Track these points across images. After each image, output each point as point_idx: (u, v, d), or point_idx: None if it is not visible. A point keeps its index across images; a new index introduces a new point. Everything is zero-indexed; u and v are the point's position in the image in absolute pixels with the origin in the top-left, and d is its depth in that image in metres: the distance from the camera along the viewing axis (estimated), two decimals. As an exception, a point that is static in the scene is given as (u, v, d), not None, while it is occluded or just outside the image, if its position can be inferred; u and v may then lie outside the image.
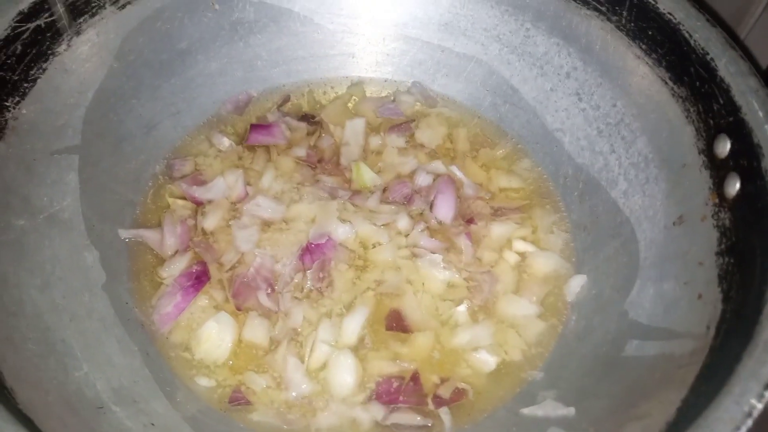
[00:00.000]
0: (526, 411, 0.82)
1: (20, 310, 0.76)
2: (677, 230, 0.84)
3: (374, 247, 0.95)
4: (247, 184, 0.99)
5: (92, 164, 0.92)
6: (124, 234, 0.93)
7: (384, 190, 1.00)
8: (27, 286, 0.78)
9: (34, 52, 0.85)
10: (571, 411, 0.79)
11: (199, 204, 0.98)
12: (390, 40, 1.12)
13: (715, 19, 0.84)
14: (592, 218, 0.97)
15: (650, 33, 0.88)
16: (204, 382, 0.84)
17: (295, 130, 1.07)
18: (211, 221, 0.95)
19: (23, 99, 0.84)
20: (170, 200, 0.98)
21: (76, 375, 0.75)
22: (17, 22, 0.83)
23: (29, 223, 0.83)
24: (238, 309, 0.89)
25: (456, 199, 0.99)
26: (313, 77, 1.13)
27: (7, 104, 0.82)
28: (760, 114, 0.74)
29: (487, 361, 0.87)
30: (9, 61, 0.82)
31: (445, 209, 0.98)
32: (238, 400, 0.83)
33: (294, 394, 0.83)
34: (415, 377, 0.85)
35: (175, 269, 0.91)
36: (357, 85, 1.14)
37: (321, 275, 0.91)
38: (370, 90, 1.14)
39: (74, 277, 0.84)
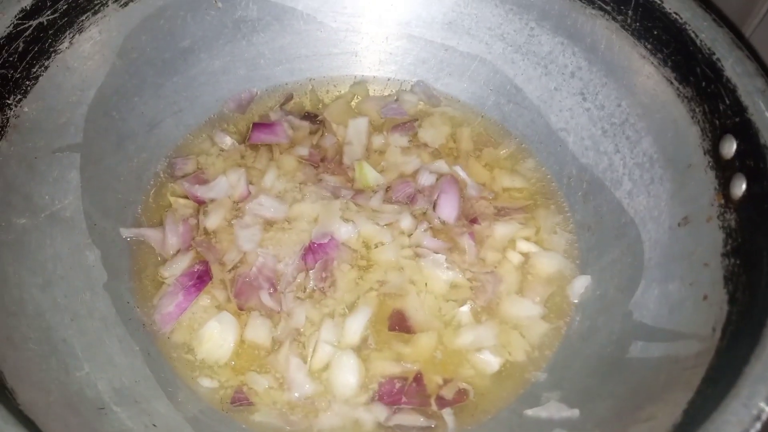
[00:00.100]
0: (529, 412, 0.82)
1: (21, 310, 0.75)
2: (682, 231, 0.83)
3: (377, 246, 0.94)
4: (250, 183, 0.99)
5: (94, 162, 0.92)
6: (126, 233, 0.93)
7: (387, 190, 1.00)
8: (28, 285, 0.78)
9: (36, 49, 0.85)
10: (575, 413, 0.79)
11: (201, 203, 0.97)
12: (393, 38, 1.12)
13: (721, 18, 0.83)
14: (596, 218, 0.97)
15: (656, 32, 0.87)
16: (206, 382, 0.83)
17: (298, 128, 1.06)
18: (213, 220, 0.95)
19: (25, 97, 0.84)
20: (172, 199, 0.97)
21: (77, 375, 0.75)
22: (19, 19, 0.82)
23: (30, 221, 0.82)
24: (240, 309, 0.88)
25: (459, 198, 0.98)
26: (316, 76, 1.13)
27: (9, 102, 0.82)
28: (767, 114, 0.73)
29: (491, 361, 0.87)
30: (11, 59, 0.82)
31: (448, 209, 0.97)
32: (240, 400, 0.82)
33: (296, 394, 0.83)
34: (418, 378, 0.85)
35: (176, 269, 0.90)
36: (360, 83, 1.14)
37: (324, 275, 0.90)
38: (373, 89, 1.14)
39: (76, 276, 0.84)
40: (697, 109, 0.83)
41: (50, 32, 0.86)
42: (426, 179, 1.01)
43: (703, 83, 0.81)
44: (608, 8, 0.92)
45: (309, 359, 0.85)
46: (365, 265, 0.93)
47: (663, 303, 0.82)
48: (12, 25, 0.82)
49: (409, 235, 0.95)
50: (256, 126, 1.05)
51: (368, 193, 0.99)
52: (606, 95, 0.97)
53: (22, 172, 0.83)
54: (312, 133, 1.07)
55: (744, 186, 0.74)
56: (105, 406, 0.74)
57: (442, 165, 1.03)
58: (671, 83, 0.86)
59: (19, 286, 0.77)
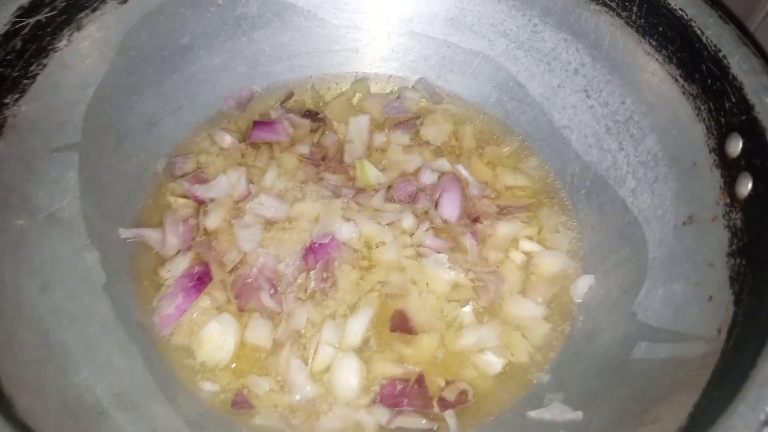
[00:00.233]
0: (533, 414, 0.81)
1: (19, 313, 0.74)
2: (687, 230, 0.82)
3: (378, 246, 0.93)
4: (250, 182, 0.98)
5: (93, 162, 0.91)
6: (125, 233, 0.92)
7: (388, 188, 0.99)
8: (26, 287, 0.77)
9: (34, 47, 0.84)
10: (579, 415, 0.78)
11: (201, 203, 0.96)
12: (395, 35, 1.11)
13: (726, 14, 0.82)
14: (599, 217, 0.96)
15: (661, 29, 0.86)
16: (208, 386, 0.83)
17: (299, 127, 1.05)
18: (213, 220, 0.94)
19: (23, 96, 0.83)
20: (172, 199, 0.96)
21: (76, 380, 0.74)
22: (17, 17, 0.82)
23: (28, 222, 0.81)
24: (241, 310, 0.88)
25: (461, 197, 0.97)
26: (316, 73, 1.12)
27: (7, 101, 0.81)
28: (774, 113, 0.72)
29: (493, 363, 0.86)
30: (8, 57, 0.81)
31: (450, 208, 0.96)
32: (241, 403, 0.81)
33: (298, 397, 0.82)
34: (420, 380, 0.84)
35: (176, 270, 0.89)
36: (361, 81, 1.13)
37: (325, 275, 0.89)
38: (375, 86, 1.13)
39: (74, 278, 0.83)
40: (702, 107, 0.82)
41: (48, 30, 0.85)
42: (428, 178, 1.00)
43: (709, 80, 0.80)
44: (613, 4, 0.91)
45: (310, 361, 0.84)
46: (367, 265, 0.92)
47: (668, 303, 0.81)
48: (10, 23, 0.81)
49: (411, 235, 0.94)
50: (257, 124, 1.04)
51: (369, 191, 0.98)
52: (610, 92, 0.96)
53: (20, 173, 0.82)
54: (313, 131, 1.06)
55: (750, 185, 0.73)
56: (104, 411, 0.73)
57: (444, 163, 1.02)
58: (676, 80, 0.85)
59: (16, 288, 0.76)
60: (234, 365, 0.85)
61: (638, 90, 0.92)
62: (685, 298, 0.79)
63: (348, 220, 0.94)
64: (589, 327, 0.88)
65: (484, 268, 0.93)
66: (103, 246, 0.88)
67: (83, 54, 0.90)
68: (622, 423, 0.74)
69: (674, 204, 0.85)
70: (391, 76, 1.13)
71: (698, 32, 0.81)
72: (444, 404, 0.83)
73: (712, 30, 0.81)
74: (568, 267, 0.94)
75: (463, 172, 1.00)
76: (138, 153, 0.98)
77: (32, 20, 0.83)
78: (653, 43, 0.88)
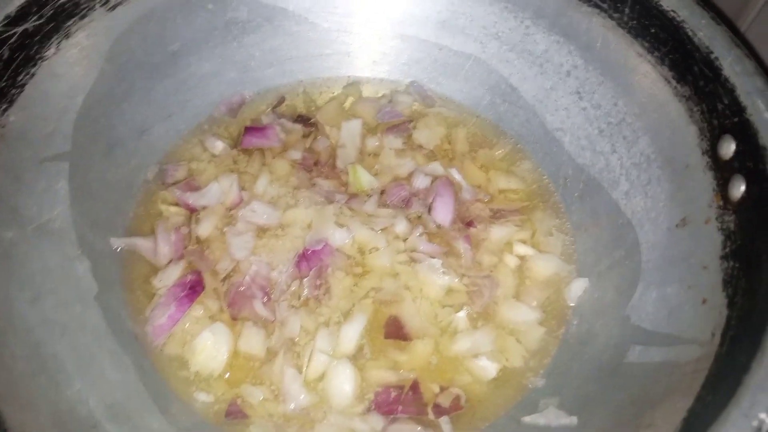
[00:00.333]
0: (528, 419, 0.81)
1: (10, 326, 0.74)
2: (680, 233, 0.82)
3: (371, 252, 0.93)
4: (242, 188, 0.97)
5: (83, 171, 0.90)
6: (117, 243, 0.91)
7: (381, 193, 0.99)
8: (17, 300, 0.76)
9: (21, 56, 0.83)
10: (573, 420, 0.78)
11: (192, 211, 0.96)
12: (386, 38, 1.10)
13: (718, 15, 0.82)
14: (593, 220, 0.95)
15: (653, 30, 0.86)
16: (202, 397, 0.82)
17: (290, 132, 1.05)
18: (205, 228, 0.93)
19: (11, 106, 0.82)
20: (163, 207, 0.96)
21: (68, 392, 0.73)
22: (4, 26, 0.81)
23: (18, 234, 0.81)
24: (234, 319, 0.87)
25: (455, 201, 0.97)
26: (308, 77, 1.11)
27: (-6, 112, 0.81)
28: (767, 115, 0.72)
29: (488, 368, 0.86)
30: (-4, 67, 0.80)
31: (443, 212, 0.96)
32: (235, 413, 0.81)
33: (292, 405, 0.82)
34: (414, 386, 0.84)
35: (168, 279, 0.89)
36: (353, 84, 1.12)
37: (318, 282, 0.89)
38: (367, 90, 1.12)
39: (65, 289, 0.82)
40: (695, 109, 0.81)
41: (36, 39, 0.84)
42: (421, 182, 0.99)
43: (701, 82, 0.80)
44: (604, 6, 0.91)
45: (304, 369, 0.84)
46: (360, 271, 0.92)
47: (661, 306, 0.81)
48: (-4, 32, 0.80)
49: (405, 240, 0.94)
50: (248, 130, 1.04)
51: (362, 197, 0.98)
52: (602, 94, 0.96)
53: (9, 184, 0.81)
54: (305, 136, 1.05)
55: (743, 187, 0.73)
56: (97, 424, 0.72)
57: (437, 167, 1.02)
58: (668, 82, 0.85)
59: (7, 301, 0.75)
60: (228, 375, 0.84)
61: (631, 92, 0.92)
62: (679, 300, 0.78)
63: (341, 225, 0.93)
64: (584, 331, 0.88)
65: (477, 272, 0.93)
66: (94, 256, 0.87)
67: (72, 62, 0.89)
68: (617, 428, 0.74)
69: (667, 206, 0.85)
70: (382, 80, 1.12)
71: (690, 34, 0.81)
72: (439, 410, 0.82)
73: (704, 31, 0.80)
74: (562, 270, 0.94)
75: (456, 176, 1.00)
76: (128, 161, 0.97)
77: (19, 29, 0.82)
78: (645, 44, 0.87)
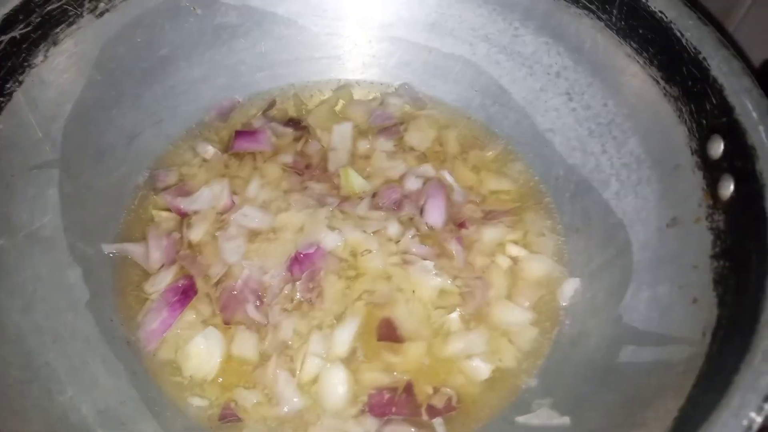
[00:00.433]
0: (521, 420, 0.81)
1: (1, 334, 0.74)
2: (671, 232, 0.82)
3: (364, 255, 0.93)
4: (234, 193, 0.97)
5: (73, 178, 0.90)
6: (108, 249, 0.91)
7: (373, 196, 0.99)
8: (7, 308, 0.76)
9: (9, 64, 0.83)
10: (566, 420, 0.78)
11: (184, 216, 0.96)
12: (376, 41, 1.10)
13: (705, 15, 0.82)
14: (584, 220, 0.96)
15: (641, 31, 0.86)
16: (196, 401, 0.82)
17: (282, 136, 1.05)
18: (196, 233, 0.93)
19: (-1, 114, 0.82)
20: (154, 212, 0.96)
21: (60, 400, 0.73)
22: (-9, 34, 0.81)
23: (8, 242, 0.80)
24: (227, 323, 0.87)
25: (446, 203, 0.97)
26: (298, 81, 1.11)
27: (-17, 120, 0.80)
28: (754, 115, 0.72)
29: (481, 369, 0.86)
30: (-17, 76, 0.80)
31: (435, 214, 0.96)
32: (229, 417, 0.81)
33: (285, 409, 0.82)
34: (408, 388, 0.84)
35: (160, 284, 0.89)
36: (344, 87, 1.12)
37: (311, 286, 0.89)
38: (357, 93, 1.12)
39: (57, 297, 0.82)
40: (683, 109, 0.82)
41: (24, 46, 0.84)
42: (413, 184, 0.99)
43: (690, 82, 0.80)
44: (593, 7, 0.91)
45: (297, 372, 0.84)
46: (353, 274, 0.92)
47: (653, 306, 0.81)
48: (-17, 41, 0.80)
49: (397, 242, 0.94)
50: (239, 134, 1.04)
51: (354, 200, 0.98)
52: (592, 95, 0.96)
53: (-1, 191, 0.81)
54: (296, 139, 1.05)
55: (732, 187, 0.73)
56: (90, 431, 0.72)
57: (428, 169, 1.02)
58: (657, 82, 0.85)
59: (-2, 310, 0.75)
60: (221, 379, 0.84)
61: (620, 92, 0.92)
62: (670, 300, 0.79)
63: (333, 229, 0.93)
64: (576, 331, 0.88)
65: (470, 273, 0.93)
66: (86, 263, 0.87)
67: (60, 69, 0.89)
68: (610, 428, 0.74)
69: (657, 206, 0.85)
70: (373, 83, 1.13)
71: (678, 34, 0.81)
72: (433, 412, 0.83)
73: (692, 32, 0.80)
74: (554, 271, 0.94)
75: (448, 178, 1.00)
76: (119, 167, 0.97)
77: (6, 37, 0.82)
78: (634, 45, 0.88)
